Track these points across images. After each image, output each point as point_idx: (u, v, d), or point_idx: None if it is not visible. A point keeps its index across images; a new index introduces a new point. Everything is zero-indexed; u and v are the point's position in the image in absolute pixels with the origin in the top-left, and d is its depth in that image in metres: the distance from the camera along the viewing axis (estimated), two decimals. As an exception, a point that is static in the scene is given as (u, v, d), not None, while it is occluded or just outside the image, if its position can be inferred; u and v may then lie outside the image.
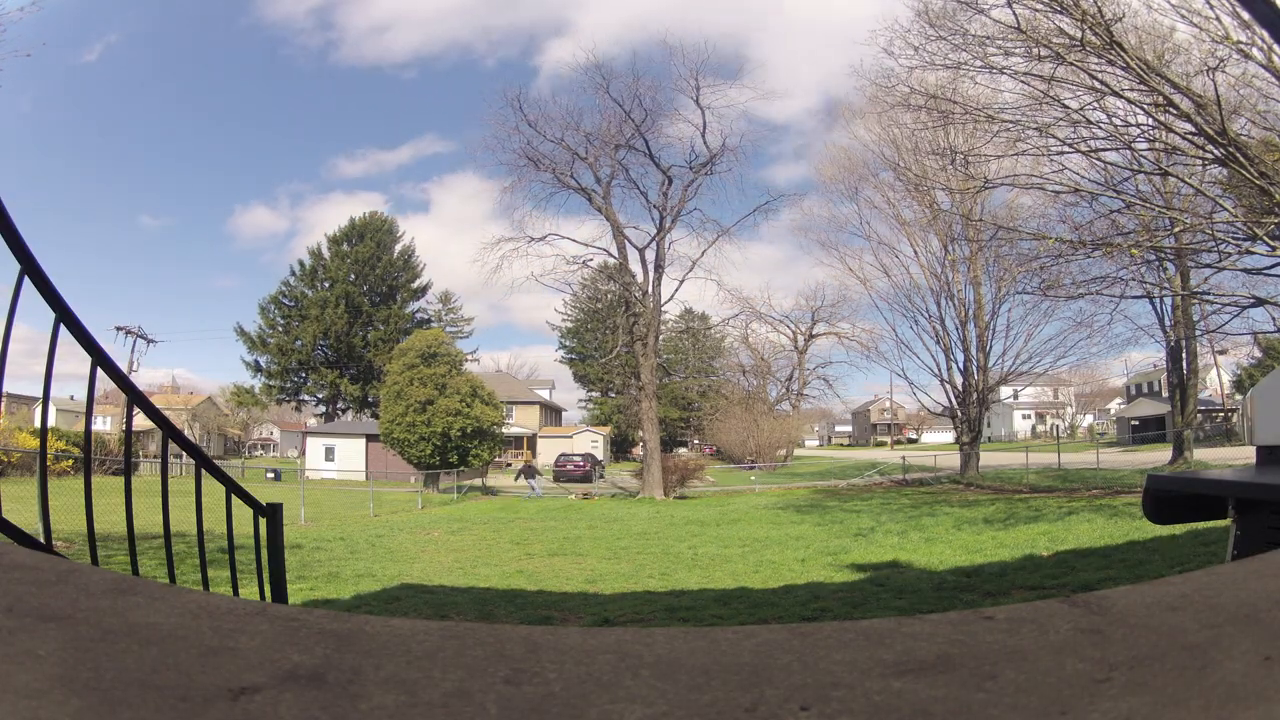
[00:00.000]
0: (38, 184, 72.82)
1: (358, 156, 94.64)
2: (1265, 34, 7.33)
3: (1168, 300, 22.38)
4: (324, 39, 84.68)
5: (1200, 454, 25.00)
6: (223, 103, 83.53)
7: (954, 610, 1.30)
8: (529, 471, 28.59)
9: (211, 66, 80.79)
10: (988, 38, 10.99)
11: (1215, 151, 9.54)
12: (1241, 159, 9.16)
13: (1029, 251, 13.84)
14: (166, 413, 3.48)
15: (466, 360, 36.35)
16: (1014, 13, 10.27)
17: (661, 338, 32.78)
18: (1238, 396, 41.21)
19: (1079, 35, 9.91)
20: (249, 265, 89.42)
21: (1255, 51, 9.35)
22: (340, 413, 55.64)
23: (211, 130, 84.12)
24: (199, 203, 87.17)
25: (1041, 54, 10.33)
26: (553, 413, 62.15)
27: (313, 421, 55.72)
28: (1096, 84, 10.29)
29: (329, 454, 38.62)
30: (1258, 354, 38.93)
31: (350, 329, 54.88)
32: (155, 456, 28.09)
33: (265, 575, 3.55)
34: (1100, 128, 10.85)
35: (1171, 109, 9.85)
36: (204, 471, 3.23)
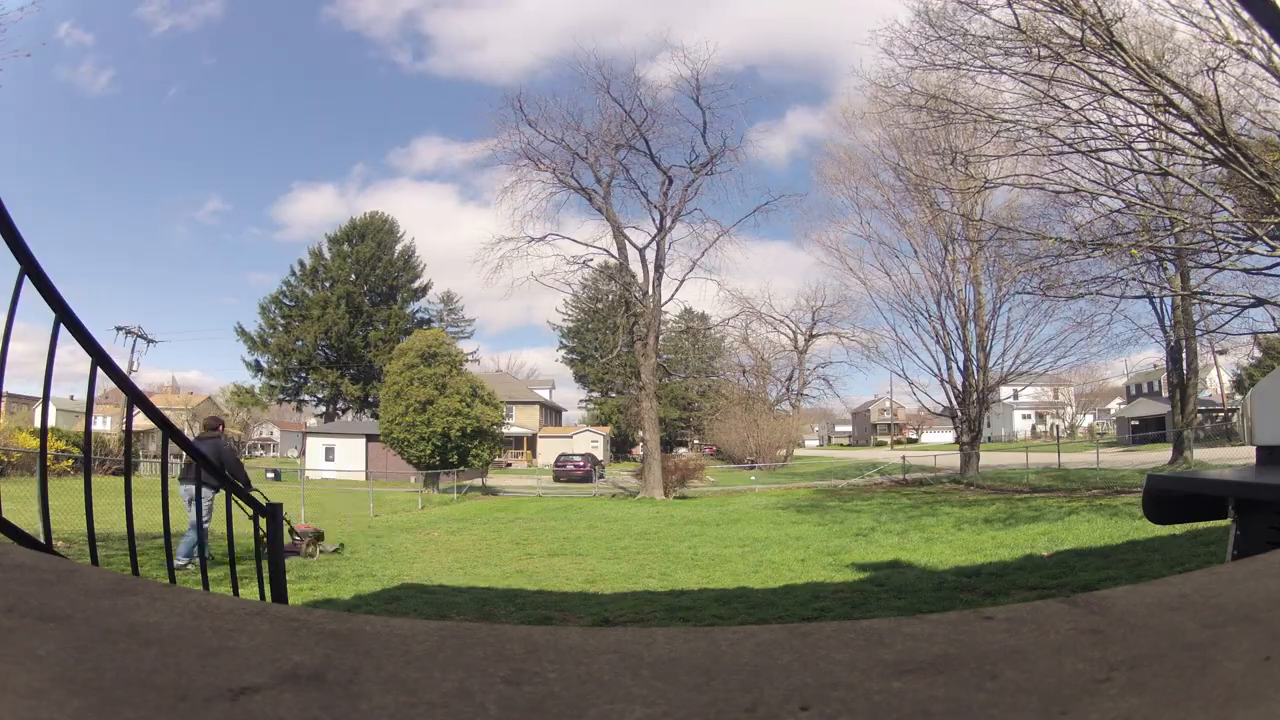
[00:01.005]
0: (60, 180, 73.57)
1: (433, 148, 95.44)
2: (1265, 34, 7.33)
3: (1168, 300, 22.39)
4: (412, 49, 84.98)
5: (1200, 454, 25.00)
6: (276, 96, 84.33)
7: (954, 610, 1.30)
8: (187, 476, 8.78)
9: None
10: (988, 38, 10.99)
11: (1215, 151, 9.54)
12: (1241, 159, 9.16)
13: (1029, 251, 13.85)
14: (166, 413, 3.48)
15: (466, 360, 36.36)
16: (1014, 13, 10.28)
17: (661, 338, 32.76)
18: (1238, 396, 41.23)
19: (1079, 35, 9.91)
20: (288, 260, 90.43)
21: (1255, 51, 9.35)
22: (340, 413, 55.66)
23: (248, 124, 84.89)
24: (235, 199, 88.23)
25: (1041, 54, 10.33)
26: (553, 413, 62.20)
27: (313, 421, 55.76)
28: (1096, 84, 10.29)
29: (329, 454, 38.66)
30: (1258, 354, 38.97)
31: (351, 329, 54.91)
32: (155, 456, 28.09)
33: (265, 575, 3.55)
34: (1100, 128, 10.85)
35: (1171, 109, 9.85)
36: (204, 472, 3.23)
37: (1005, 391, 34.87)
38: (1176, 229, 12.31)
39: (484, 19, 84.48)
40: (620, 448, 59.30)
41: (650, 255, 27.83)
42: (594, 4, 76.17)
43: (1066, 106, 10.83)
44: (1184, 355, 25.66)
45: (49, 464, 4.93)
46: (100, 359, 2.56)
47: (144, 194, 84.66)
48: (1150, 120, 10.39)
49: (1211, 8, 9.42)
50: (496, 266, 27.66)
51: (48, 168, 74.13)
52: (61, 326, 2.39)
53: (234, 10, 77.45)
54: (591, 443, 50.98)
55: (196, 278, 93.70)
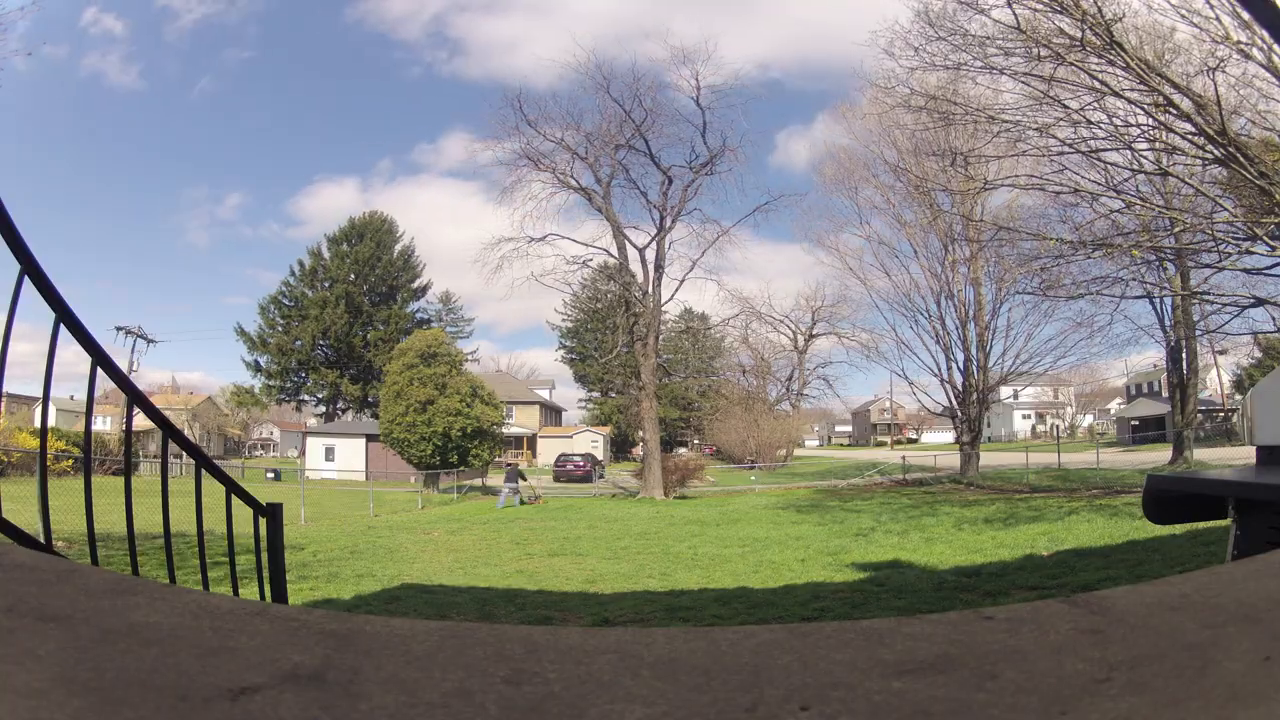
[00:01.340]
0: (79, 177, 73.77)
1: (459, 145, 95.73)
2: (1265, 34, 7.33)
3: (1168, 300, 22.39)
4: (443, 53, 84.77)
5: (1200, 454, 25.00)
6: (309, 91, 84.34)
7: (954, 610, 1.30)
8: (514, 476, 23.63)
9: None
10: (988, 38, 11.00)
11: (1215, 151, 9.54)
12: (1241, 159, 9.16)
13: (1029, 252, 13.86)
14: (166, 413, 3.48)
15: (466, 360, 36.36)
16: (1014, 13, 10.28)
17: (661, 338, 32.76)
18: (1238, 396, 41.22)
19: (1079, 35, 9.91)
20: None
21: (1255, 51, 9.35)
22: (340, 413, 55.65)
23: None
24: (254, 195, 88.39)
25: (1041, 54, 10.33)
26: (553, 413, 62.19)
27: (313, 421, 55.75)
28: (1097, 84, 10.29)
29: (329, 454, 38.64)
30: (1258, 354, 38.95)
31: (350, 329, 54.91)
32: (155, 456, 28.09)
33: (265, 575, 3.55)
34: (1100, 128, 10.85)
35: (1171, 109, 9.85)
36: (204, 471, 3.22)
37: (1005, 391, 34.87)
38: (1176, 229, 12.32)
39: (518, 23, 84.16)
40: (620, 448, 59.30)
41: (650, 255, 27.85)
42: (634, 13, 75.98)
43: (1066, 107, 10.82)
44: (1184, 355, 25.66)
45: (49, 464, 4.93)
46: (100, 359, 2.56)
47: (157, 190, 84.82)
48: (1150, 120, 10.39)
49: (1211, 8, 9.43)
50: (496, 266, 27.67)
51: (63, 165, 74.67)
52: (61, 326, 2.39)
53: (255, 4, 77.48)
54: (591, 443, 50.98)
55: (209, 276, 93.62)
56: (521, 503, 22.53)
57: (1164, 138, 10.77)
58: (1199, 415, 33.64)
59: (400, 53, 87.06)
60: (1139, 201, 11.98)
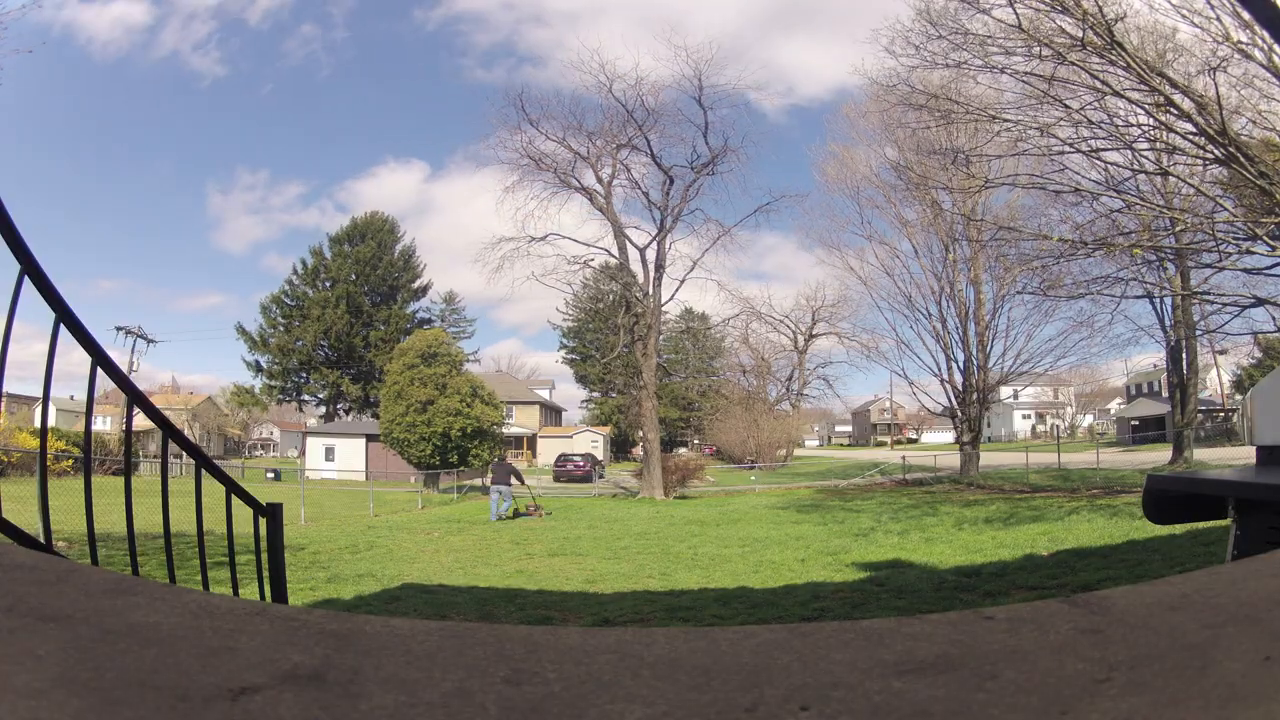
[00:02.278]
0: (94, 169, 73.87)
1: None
2: (1266, 34, 7.33)
3: (1168, 300, 22.39)
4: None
5: (1200, 454, 25.00)
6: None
7: (954, 610, 1.30)
8: (505, 475, 18.36)
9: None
10: (989, 37, 10.99)
11: (1216, 151, 9.54)
12: (1242, 159, 9.16)
13: (1030, 251, 13.84)
14: (166, 413, 3.48)
15: (467, 360, 36.39)
16: (1015, 12, 10.27)
17: (662, 338, 32.80)
18: (1238, 396, 41.19)
19: (1080, 35, 9.91)
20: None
21: (1256, 51, 9.35)
22: (341, 413, 55.66)
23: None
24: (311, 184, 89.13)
25: (1043, 53, 10.33)
26: (553, 413, 62.21)
27: (313, 421, 55.77)
28: (1097, 84, 10.29)
29: (329, 454, 38.66)
30: (1258, 354, 38.92)
31: (351, 329, 54.92)
32: (155, 456, 28.09)
33: (265, 575, 3.55)
34: (1101, 128, 10.85)
35: (1172, 109, 9.85)
36: (204, 471, 3.23)
37: (1005, 391, 34.86)
38: (1177, 229, 12.33)
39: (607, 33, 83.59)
40: (620, 448, 59.31)
41: (651, 255, 27.85)
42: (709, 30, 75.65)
43: (1067, 106, 10.82)
44: (1184, 355, 25.66)
45: (49, 464, 4.93)
46: (100, 359, 2.56)
47: (169, 186, 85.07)
48: (1151, 120, 10.39)
49: (1212, 8, 9.43)
50: (498, 266, 27.68)
51: (102, 155, 74.89)
52: (62, 326, 2.39)
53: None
54: (591, 443, 50.99)
55: (231, 276, 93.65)
56: (516, 514, 17.89)
57: (1164, 137, 10.77)
58: (1199, 415, 33.62)
59: (465, 59, 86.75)
60: (1139, 201, 11.98)
